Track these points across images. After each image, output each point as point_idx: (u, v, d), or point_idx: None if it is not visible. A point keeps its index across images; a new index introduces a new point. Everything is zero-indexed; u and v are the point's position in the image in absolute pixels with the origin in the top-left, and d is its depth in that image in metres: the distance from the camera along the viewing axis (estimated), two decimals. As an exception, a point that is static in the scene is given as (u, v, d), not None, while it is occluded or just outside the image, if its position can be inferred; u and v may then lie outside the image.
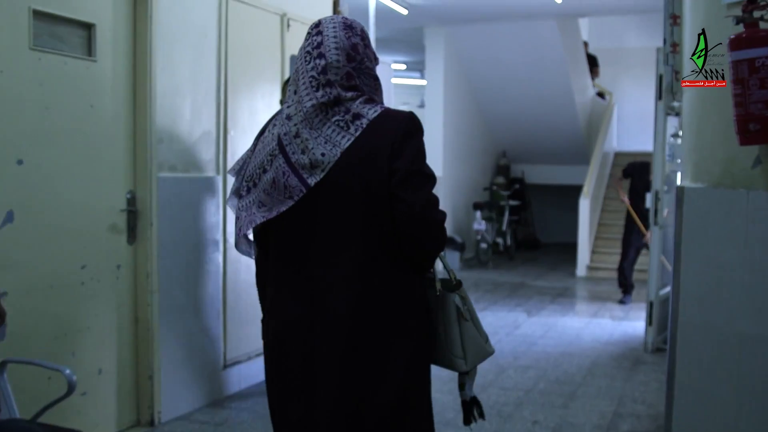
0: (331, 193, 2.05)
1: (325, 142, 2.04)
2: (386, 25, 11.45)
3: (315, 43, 2.11)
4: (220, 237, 4.79)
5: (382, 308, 2.07)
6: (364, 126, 2.04)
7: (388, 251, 2.06)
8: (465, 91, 12.59)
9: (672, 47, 4.87)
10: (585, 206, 11.56)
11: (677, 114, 6.85)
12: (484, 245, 12.08)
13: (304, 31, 5.64)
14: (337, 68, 2.07)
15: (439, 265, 2.30)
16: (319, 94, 2.05)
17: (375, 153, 2.02)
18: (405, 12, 10.22)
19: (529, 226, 14.91)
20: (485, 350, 2.24)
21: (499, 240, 12.89)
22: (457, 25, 11.25)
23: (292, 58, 5.52)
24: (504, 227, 13.01)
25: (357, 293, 2.05)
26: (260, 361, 4.55)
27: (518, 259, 13.12)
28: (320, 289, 2.07)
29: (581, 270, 11.41)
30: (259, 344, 4.63)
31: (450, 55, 11.89)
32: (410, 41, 12.71)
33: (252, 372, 5.13)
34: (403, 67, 15.72)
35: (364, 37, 2.16)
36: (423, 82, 12.65)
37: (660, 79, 6.54)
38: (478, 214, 12.00)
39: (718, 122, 2.59)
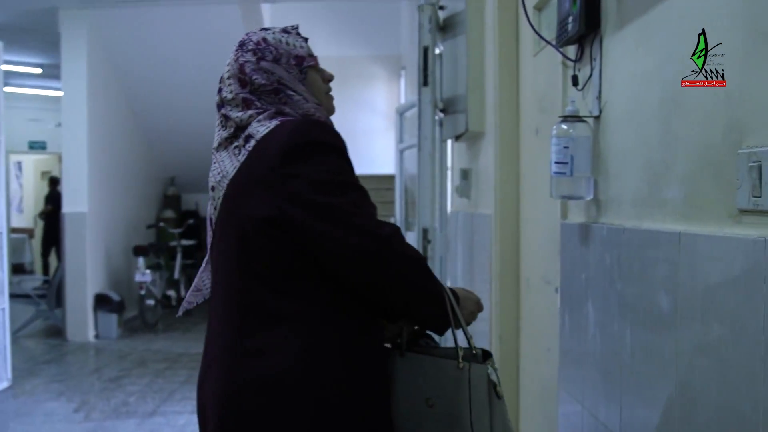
0: (219, 235, 1.76)
1: (218, 173, 1.76)
2: (4, 5, 8.17)
3: (221, 76, 1.85)
4: None
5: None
6: (250, 149, 1.70)
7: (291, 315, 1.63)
8: (118, 101, 9.58)
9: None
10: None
11: (443, 111, 4.62)
12: (150, 302, 9.17)
13: None
14: (233, 100, 1.78)
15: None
16: (225, 132, 1.79)
17: (251, 185, 1.66)
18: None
19: (206, 269, 12.19)
20: None
21: (171, 292, 10.04)
22: (104, 8, 8.28)
23: None
24: (176, 275, 10.19)
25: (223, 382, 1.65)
26: None
27: (196, 313, 10.27)
28: (205, 365, 1.75)
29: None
30: None
31: (96, 52, 8.84)
32: (43, 31, 9.32)
33: None
34: (38, 71, 12.12)
35: (259, 49, 1.79)
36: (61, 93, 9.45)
37: (425, 52, 4.27)
38: (141, 261, 9.08)
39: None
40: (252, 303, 1.65)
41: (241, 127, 1.75)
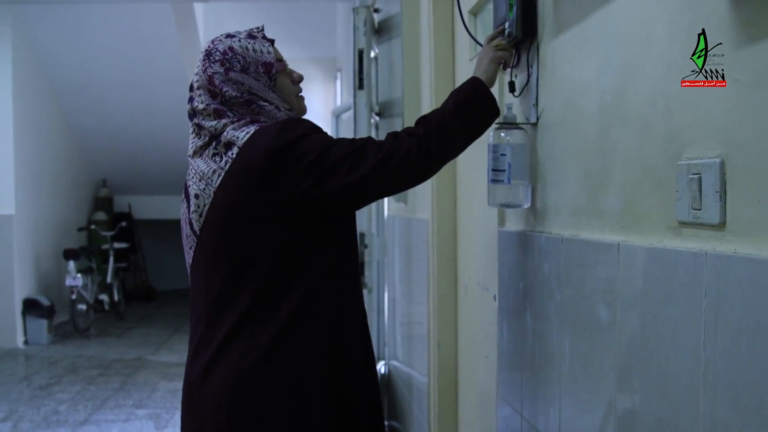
0: (208, 244, 1.79)
1: (200, 180, 1.79)
2: None
3: (191, 83, 1.87)
4: None
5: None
6: (234, 156, 1.73)
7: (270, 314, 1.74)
8: (46, 99, 9.34)
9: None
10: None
11: (379, 114, 4.58)
12: (82, 306, 8.97)
13: None
14: (204, 110, 1.80)
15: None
16: (200, 141, 1.82)
17: (249, 187, 1.72)
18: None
19: (140, 272, 11.94)
20: None
21: (104, 297, 9.82)
22: (30, 4, 8.04)
23: None
24: (109, 279, 9.97)
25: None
26: None
27: (130, 317, 10.16)
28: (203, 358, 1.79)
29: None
30: None
31: (22, 49, 8.60)
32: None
33: None
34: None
35: (227, 59, 1.81)
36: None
37: (359, 55, 4.24)
38: (72, 264, 8.86)
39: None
40: (251, 306, 1.74)
41: (215, 136, 1.79)
